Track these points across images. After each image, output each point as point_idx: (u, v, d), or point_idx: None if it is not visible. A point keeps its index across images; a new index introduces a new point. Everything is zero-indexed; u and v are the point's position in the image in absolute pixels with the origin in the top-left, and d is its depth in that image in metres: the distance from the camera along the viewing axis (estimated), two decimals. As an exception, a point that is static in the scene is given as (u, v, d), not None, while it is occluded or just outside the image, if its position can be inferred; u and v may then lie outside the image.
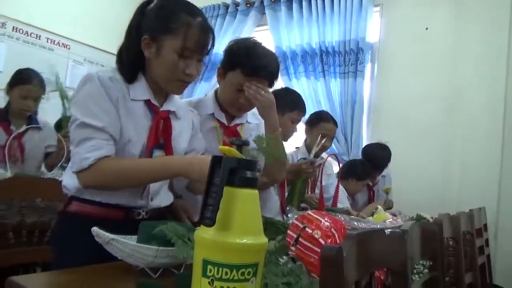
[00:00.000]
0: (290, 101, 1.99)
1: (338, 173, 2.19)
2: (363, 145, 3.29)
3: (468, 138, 3.01)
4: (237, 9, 4.39)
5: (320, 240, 1.00)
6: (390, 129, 3.38)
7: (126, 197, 1.15)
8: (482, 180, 2.91)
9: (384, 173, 2.99)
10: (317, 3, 3.75)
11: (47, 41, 4.40)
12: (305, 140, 2.38)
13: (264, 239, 0.69)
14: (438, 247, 1.20)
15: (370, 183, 2.91)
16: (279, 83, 4.03)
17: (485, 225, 2.69)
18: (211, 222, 0.64)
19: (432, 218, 2.32)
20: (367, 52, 3.49)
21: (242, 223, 0.67)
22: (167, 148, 1.18)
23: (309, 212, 1.09)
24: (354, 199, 2.89)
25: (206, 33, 1.15)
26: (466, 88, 3.07)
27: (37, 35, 4.31)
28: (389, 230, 1.17)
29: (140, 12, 1.18)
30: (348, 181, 2.70)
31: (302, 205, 2.03)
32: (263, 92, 1.37)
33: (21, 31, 4.20)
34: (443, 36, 3.24)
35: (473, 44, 3.10)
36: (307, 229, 1.03)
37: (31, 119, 2.50)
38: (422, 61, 3.30)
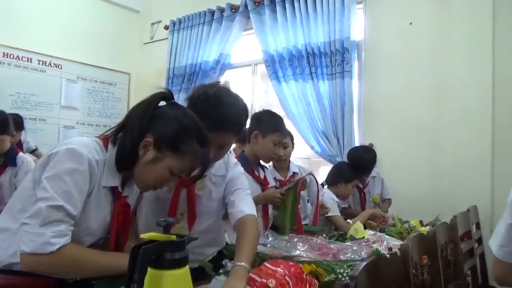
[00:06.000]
0: (272, 124, 2.00)
1: (317, 192, 2.18)
2: (355, 146, 3.27)
3: (459, 134, 2.97)
4: (223, 15, 4.38)
5: (274, 289, 1.03)
6: (381, 128, 3.35)
7: None
8: (474, 174, 2.88)
9: (373, 173, 2.96)
10: (300, 4, 3.72)
11: (39, 63, 4.44)
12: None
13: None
14: (402, 277, 1.21)
15: (361, 185, 2.90)
16: (270, 88, 4.06)
17: (478, 223, 2.68)
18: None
19: (420, 222, 2.33)
20: (353, 51, 3.44)
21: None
22: (123, 235, 1.17)
23: (265, 263, 1.11)
24: (348, 203, 2.89)
25: (204, 163, 1.17)
26: (453, 83, 3.02)
27: (28, 58, 4.35)
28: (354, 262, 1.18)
29: (154, 105, 1.13)
30: (338, 186, 2.68)
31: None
32: None
33: (12, 56, 4.25)
34: (428, 30, 3.19)
35: (459, 37, 3.04)
36: (262, 279, 1.05)
37: (8, 156, 2.49)
38: (408, 56, 3.25)
